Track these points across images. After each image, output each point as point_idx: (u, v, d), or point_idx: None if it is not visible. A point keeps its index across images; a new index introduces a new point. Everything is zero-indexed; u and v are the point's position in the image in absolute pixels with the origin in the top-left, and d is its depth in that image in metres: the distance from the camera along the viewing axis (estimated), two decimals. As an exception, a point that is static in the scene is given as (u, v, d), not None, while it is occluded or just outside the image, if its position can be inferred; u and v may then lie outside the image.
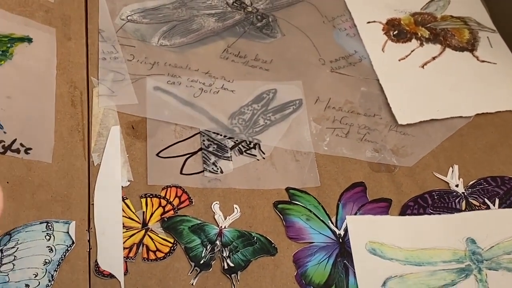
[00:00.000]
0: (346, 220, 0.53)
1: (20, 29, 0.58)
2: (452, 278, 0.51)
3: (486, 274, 0.51)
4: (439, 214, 0.55)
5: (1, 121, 0.52)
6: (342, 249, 0.52)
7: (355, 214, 0.54)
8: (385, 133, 0.60)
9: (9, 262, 0.45)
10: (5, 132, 0.51)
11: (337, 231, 0.53)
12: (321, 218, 0.53)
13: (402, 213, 0.55)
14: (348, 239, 0.52)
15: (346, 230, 0.53)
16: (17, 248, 0.46)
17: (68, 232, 0.48)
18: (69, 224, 0.49)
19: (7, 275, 0.45)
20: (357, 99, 0.62)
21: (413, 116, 0.60)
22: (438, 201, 0.55)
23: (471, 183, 0.57)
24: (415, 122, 0.60)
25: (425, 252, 0.52)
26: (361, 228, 0.53)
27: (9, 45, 0.56)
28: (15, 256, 0.46)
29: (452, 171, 0.57)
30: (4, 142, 0.51)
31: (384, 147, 0.59)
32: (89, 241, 0.49)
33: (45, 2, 0.60)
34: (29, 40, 0.57)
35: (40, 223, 0.48)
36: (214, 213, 0.52)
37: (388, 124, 0.60)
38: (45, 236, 0.47)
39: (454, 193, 0.56)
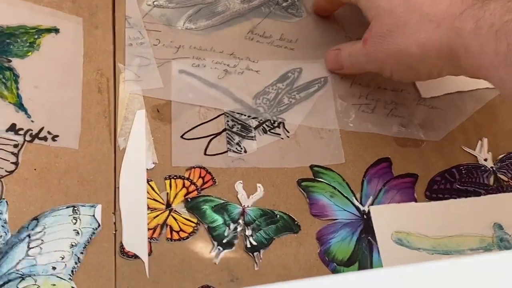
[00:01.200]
0: (370, 210, 0.52)
1: (47, 21, 0.59)
2: (481, 267, 0.50)
3: None
4: (466, 194, 0.53)
5: (29, 111, 0.53)
6: (366, 225, 0.52)
7: (380, 190, 0.53)
8: (413, 107, 0.59)
9: (36, 246, 0.47)
10: (32, 121, 0.53)
11: (362, 208, 0.53)
12: (346, 195, 0.53)
13: (429, 188, 0.54)
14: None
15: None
16: (44, 232, 0.48)
17: (94, 216, 0.50)
18: (95, 207, 0.50)
19: (35, 258, 0.47)
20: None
21: (438, 88, 0.59)
22: (466, 176, 0.54)
23: (500, 157, 0.55)
24: (440, 95, 0.59)
25: (452, 240, 0.51)
26: (386, 218, 0.52)
27: (36, 36, 0.57)
28: (42, 240, 0.47)
29: (481, 144, 0.56)
30: (32, 130, 0.52)
31: (412, 121, 0.58)
32: (115, 223, 0.50)
33: (72, -7, 0.62)
34: (56, 30, 0.59)
35: (67, 207, 0.50)
36: (237, 192, 0.52)
37: (416, 98, 0.59)
38: (72, 220, 0.49)
39: (482, 168, 0.55)
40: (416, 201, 0.53)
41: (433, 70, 0.50)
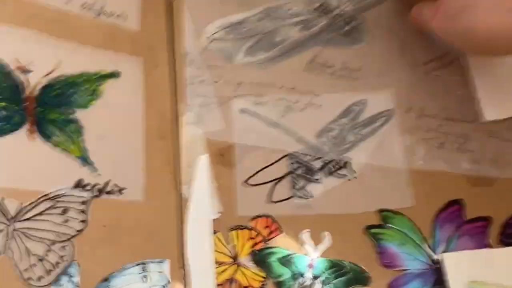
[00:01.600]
0: (443, 258, 0.51)
1: (108, 65, 0.59)
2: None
3: None
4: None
5: (95, 164, 0.53)
6: (438, 275, 0.50)
7: (452, 236, 0.51)
8: (484, 140, 0.56)
9: (108, 309, 0.48)
10: (99, 174, 0.53)
11: (434, 256, 0.51)
12: (416, 242, 0.52)
13: (504, 232, 0.52)
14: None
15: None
16: (115, 293, 0.49)
17: (163, 272, 0.50)
18: (164, 263, 0.50)
19: (108, 322, 0.48)
20: (453, 104, 0.58)
21: (503, 111, 0.56)
22: (544, 218, 0.52)
23: None
24: (504, 117, 0.56)
25: None
26: (460, 266, 0.50)
27: (98, 83, 0.57)
28: (113, 302, 0.48)
29: (561, 180, 0.53)
30: (99, 184, 0.53)
31: (484, 156, 0.55)
32: (183, 278, 0.50)
33: (131, 33, 0.61)
34: (118, 74, 0.58)
35: (136, 265, 0.50)
36: (305, 242, 0.52)
37: (488, 130, 0.57)
38: (142, 278, 0.49)
39: (561, 208, 0.52)
40: (490, 246, 0.51)
41: (498, 52, 0.52)
